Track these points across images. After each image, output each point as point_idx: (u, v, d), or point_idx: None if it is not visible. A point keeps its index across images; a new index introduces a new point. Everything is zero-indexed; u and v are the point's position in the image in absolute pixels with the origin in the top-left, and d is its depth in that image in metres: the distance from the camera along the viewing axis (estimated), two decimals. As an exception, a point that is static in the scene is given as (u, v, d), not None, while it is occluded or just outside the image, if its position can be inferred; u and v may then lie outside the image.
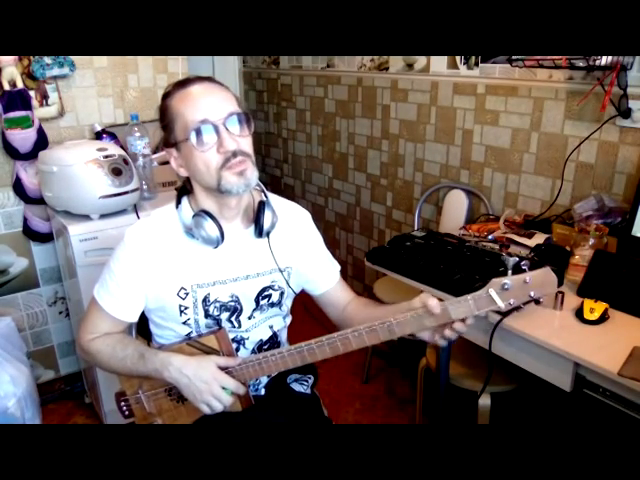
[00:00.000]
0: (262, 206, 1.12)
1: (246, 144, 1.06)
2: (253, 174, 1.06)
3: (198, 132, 1.02)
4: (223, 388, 1.05)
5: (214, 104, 1.03)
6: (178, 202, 1.13)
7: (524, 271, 0.98)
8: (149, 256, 1.10)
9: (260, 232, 1.12)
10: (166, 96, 1.07)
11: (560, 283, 1.44)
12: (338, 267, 1.31)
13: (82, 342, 1.15)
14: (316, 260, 1.26)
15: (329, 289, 1.28)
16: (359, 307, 1.25)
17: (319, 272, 1.27)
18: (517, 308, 0.96)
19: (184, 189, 1.14)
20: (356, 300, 1.29)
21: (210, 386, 1.03)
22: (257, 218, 1.12)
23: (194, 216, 1.08)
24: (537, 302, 0.97)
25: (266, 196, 1.16)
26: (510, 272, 1.01)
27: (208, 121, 1.01)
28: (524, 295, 0.95)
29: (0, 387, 1.69)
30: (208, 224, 1.07)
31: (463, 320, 0.99)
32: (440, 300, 0.99)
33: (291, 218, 1.22)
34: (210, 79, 1.07)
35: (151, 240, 1.10)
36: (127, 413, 1.17)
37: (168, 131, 1.07)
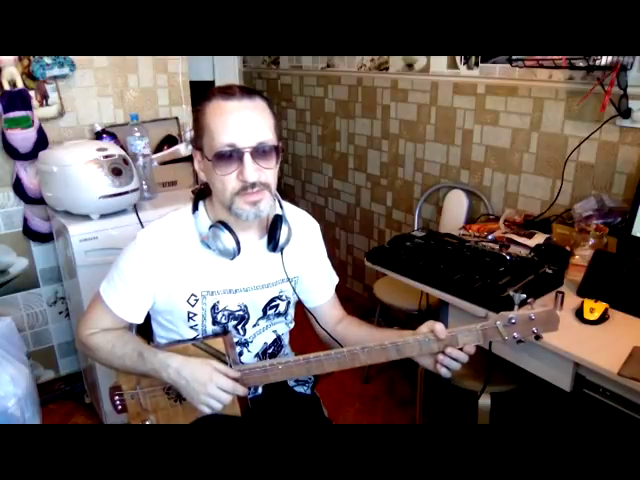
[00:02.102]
0: (278, 221, 1.11)
1: (269, 175, 1.03)
2: (267, 205, 1.04)
3: (222, 156, 1.00)
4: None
5: (245, 129, 0.99)
6: (195, 207, 1.11)
7: (530, 307, 1.02)
8: (161, 261, 1.09)
9: (274, 247, 1.12)
10: (205, 99, 1.03)
11: (560, 283, 1.44)
12: (336, 280, 1.31)
13: (81, 336, 1.15)
14: (317, 272, 1.26)
15: (323, 303, 1.27)
16: (352, 327, 1.25)
17: (317, 285, 1.26)
18: (519, 341, 1.01)
19: (201, 192, 1.13)
20: (348, 319, 1.28)
21: (206, 387, 1.02)
22: (273, 233, 1.11)
23: (211, 227, 1.07)
24: (537, 337, 1.01)
25: (281, 206, 1.15)
26: (517, 307, 1.06)
27: (235, 146, 0.98)
28: (527, 330, 1.00)
29: (0, 387, 1.69)
30: (226, 237, 1.06)
31: (461, 348, 1.02)
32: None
33: (301, 228, 1.21)
34: (253, 95, 1.02)
35: (164, 245, 1.09)
36: (120, 408, 1.16)
37: (198, 135, 1.05)
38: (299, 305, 1.29)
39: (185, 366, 1.04)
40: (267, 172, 1.03)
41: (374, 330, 1.21)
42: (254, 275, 1.15)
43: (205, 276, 1.11)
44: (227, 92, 1.01)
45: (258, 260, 1.15)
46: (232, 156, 0.99)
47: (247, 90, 1.03)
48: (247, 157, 0.99)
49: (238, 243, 1.07)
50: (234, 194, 1.02)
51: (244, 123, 0.99)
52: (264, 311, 1.19)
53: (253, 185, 1.00)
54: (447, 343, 1.01)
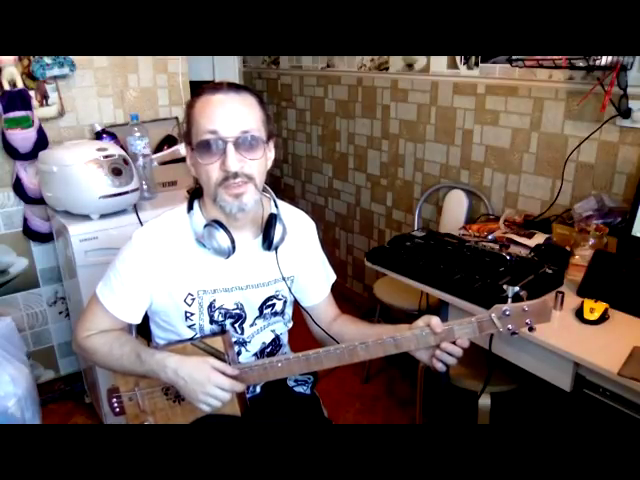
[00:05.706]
0: (273, 220, 1.11)
1: (253, 167, 1.03)
2: (251, 198, 1.04)
3: (204, 144, 1.01)
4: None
5: (229, 118, 1.00)
6: (190, 206, 1.12)
7: (522, 300, 1.05)
8: (157, 260, 1.09)
9: (269, 246, 1.12)
10: (195, 95, 1.05)
11: (560, 283, 1.44)
12: (333, 278, 1.32)
13: (79, 339, 1.14)
14: (313, 272, 1.26)
15: (319, 302, 1.28)
16: (348, 324, 1.25)
17: (313, 284, 1.27)
18: (513, 333, 1.02)
19: (196, 192, 1.13)
20: (344, 317, 1.29)
21: (205, 387, 1.02)
22: (267, 232, 1.12)
23: (206, 226, 1.07)
24: (531, 329, 1.02)
25: (276, 205, 1.15)
26: (510, 300, 1.08)
27: (218, 135, 1.00)
28: (521, 322, 1.02)
29: (0, 387, 1.69)
30: (220, 235, 1.06)
31: (454, 342, 1.04)
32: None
33: (297, 227, 1.21)
34: (241, 90, 1.04)
35: (160, 244, 1.09)
36: (118, 410, 1.16)
37: (187, 129, 1.07)
38: (297, 305, 1.29)
39: (183, 366, 1.04)
40: (251, 164, 1.03)
41: (369, 327, 1.22)
42: (249, 274, 1.15)
43: (201, 275, 1.11)
44: (216, 87, 1.03)
45: (253, 259, 1.15)
46: (215, 145, 1.00)
47: (236, 85, 1.05)
48: (230, 146, 1.00)
49: (233, 242, 1.07)
50: (217, 185, 1.03)
51: (228, 112, 1.01)
52: (260, 310, 1.19)
53: (235, 175, 1.01)
54: (444, 337, 1.03)
